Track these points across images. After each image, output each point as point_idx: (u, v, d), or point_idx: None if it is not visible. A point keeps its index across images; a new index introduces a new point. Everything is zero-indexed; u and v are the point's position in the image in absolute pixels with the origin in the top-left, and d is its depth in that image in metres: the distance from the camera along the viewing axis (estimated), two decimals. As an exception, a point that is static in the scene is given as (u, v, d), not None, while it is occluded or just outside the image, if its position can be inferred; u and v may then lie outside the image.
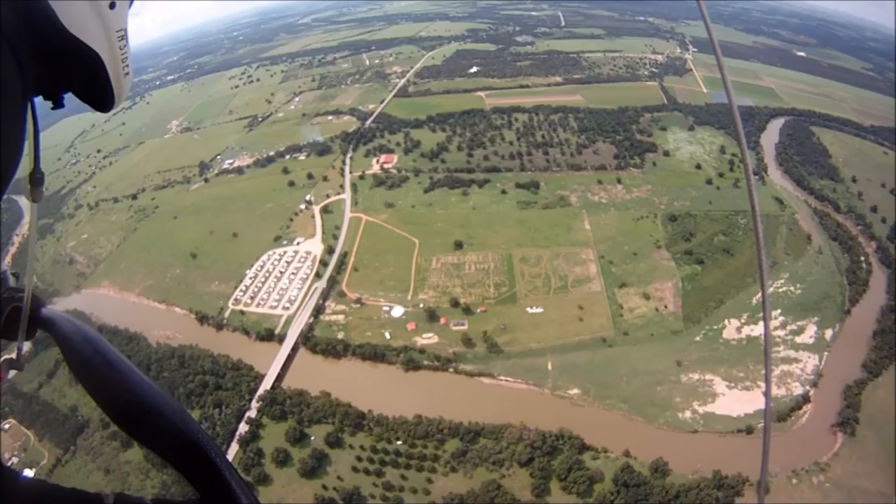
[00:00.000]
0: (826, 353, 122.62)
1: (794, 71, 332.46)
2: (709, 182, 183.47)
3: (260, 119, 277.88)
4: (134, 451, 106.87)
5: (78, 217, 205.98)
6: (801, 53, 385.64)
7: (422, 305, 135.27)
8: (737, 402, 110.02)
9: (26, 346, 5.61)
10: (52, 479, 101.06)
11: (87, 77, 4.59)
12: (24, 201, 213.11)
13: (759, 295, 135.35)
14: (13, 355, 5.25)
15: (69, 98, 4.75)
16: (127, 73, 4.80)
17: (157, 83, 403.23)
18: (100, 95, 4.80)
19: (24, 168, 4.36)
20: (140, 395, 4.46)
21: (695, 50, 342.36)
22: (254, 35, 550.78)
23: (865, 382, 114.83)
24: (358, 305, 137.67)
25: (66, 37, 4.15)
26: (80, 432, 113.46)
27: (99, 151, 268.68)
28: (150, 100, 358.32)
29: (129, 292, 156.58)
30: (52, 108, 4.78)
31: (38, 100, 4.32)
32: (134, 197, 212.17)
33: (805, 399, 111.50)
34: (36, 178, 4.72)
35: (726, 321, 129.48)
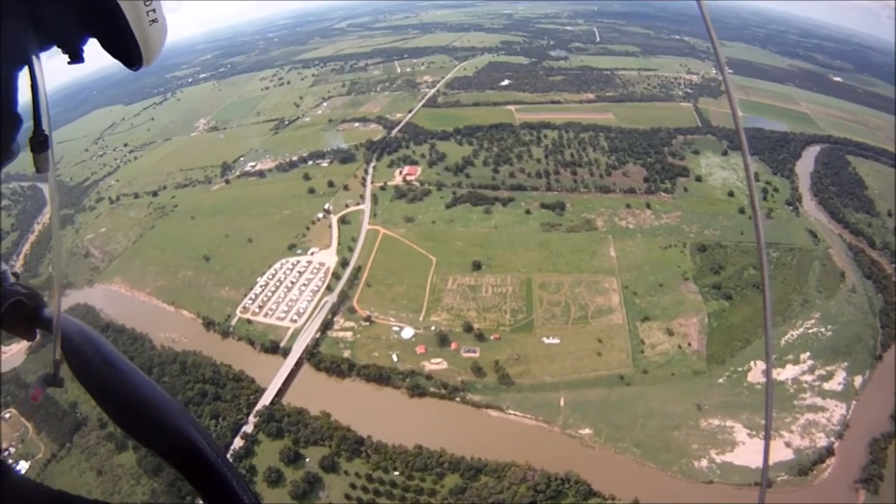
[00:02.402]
0: (854, 402, 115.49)
1: (829, 96, 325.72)
2: (741, 211, 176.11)
3: (286, 122, 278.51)
4: (128, 455, 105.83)
5: (98, 210, 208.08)
6: (838, 78, 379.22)
7: (433, 328, 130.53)
8: (758, 452, 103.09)
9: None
10: (44, 474, 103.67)
11: (104, 25, 4.10)
12: (47, 189, 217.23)
13: (788, 336, 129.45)
14: (50, 370, 4.98)
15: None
16: (154, 21, 4.23)
17: (190, 80, 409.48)
18: (123, 47, 4.24)
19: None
20: (141, 395, 4.52)
21: (730, 71, 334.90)
22: (289, 37, 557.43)
23: (893, 436, 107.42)
24: (367, 323, 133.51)
25: None
26: (77, 430, 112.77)
27: (125, 145, 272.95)
28: (181, 96, 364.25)
29: (139, 291, 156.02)
30: (70, 63, 4.44)
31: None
32: (155, 194, 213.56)
33: (829, 452, 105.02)
34: (38, 141, 4.43)
35: (752, 363, 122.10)
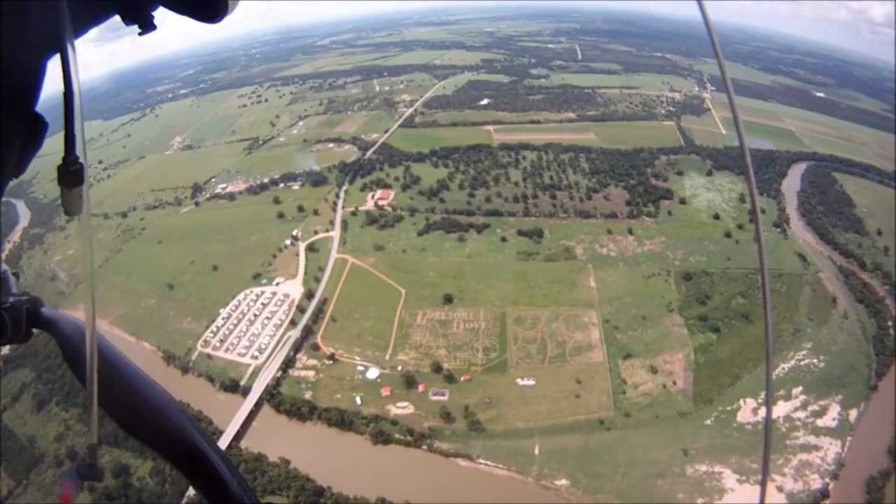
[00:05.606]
0: (850, 438, 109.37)
1: (813, 112, 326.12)
2: (727, 235, 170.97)
3: (261, 142, 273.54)
4: (83, 497, 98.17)
5: (68, 230, 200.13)
6: (820, 94, 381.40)
7: (400, 368, 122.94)
8: (748, 498, 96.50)
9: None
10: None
11: None
12: (22, 207, 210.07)
13: (779, 370, 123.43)
14: (88, 460, 4.34)
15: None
16: None
17: (170, 96, 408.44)
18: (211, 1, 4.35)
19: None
20: (141, 395, 4.63)
21: (713, 88, 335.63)
22: (271, 54, 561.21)
23: (890, 473, 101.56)
24: (331, 362, 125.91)
25: None
26: (34, 466, 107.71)
27: (100, 162, 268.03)
28: (160, 113, 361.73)
29: (101, 320, 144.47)
30: (140, 34, 4.26)
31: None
32: (124, 215, 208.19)
33: (824, 494, 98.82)
34: (69, 172, 3.88)
35: (741, 401, 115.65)
